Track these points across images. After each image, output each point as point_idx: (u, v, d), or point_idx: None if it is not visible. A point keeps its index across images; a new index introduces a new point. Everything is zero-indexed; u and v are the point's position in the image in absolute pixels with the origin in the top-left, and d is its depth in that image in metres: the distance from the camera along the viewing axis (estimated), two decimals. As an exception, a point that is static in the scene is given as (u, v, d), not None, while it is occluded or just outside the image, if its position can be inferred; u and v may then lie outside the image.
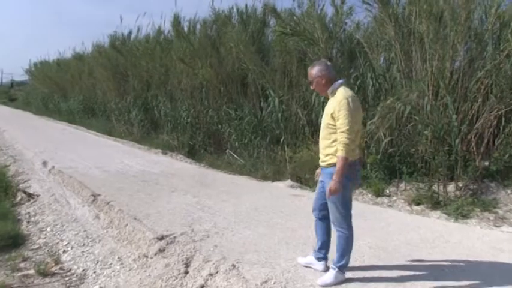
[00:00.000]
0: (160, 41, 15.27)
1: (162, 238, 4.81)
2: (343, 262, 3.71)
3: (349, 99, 3.53)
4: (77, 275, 4.56)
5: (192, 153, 11.31)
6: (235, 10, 12.03)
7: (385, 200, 6.92)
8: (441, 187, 6.76)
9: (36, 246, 5.36)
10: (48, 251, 5.21)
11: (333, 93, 3.68)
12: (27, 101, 34.03)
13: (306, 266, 4.01)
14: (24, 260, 4.91)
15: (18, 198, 7.24)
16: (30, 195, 7.33)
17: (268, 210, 6.05)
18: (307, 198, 6.84)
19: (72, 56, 24.64)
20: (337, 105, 3.54)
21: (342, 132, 3.48)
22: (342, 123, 3.49)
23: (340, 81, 3.73)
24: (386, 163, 7.58)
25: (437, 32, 7.22)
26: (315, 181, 4.03)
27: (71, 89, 23.79)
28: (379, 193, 7.08)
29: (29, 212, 6.63)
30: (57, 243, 5.43)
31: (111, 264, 4.69)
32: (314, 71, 3.75)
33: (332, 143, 3.61)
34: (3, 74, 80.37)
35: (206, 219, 5.52)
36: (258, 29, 11.20)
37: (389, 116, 7.35)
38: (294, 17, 9.58)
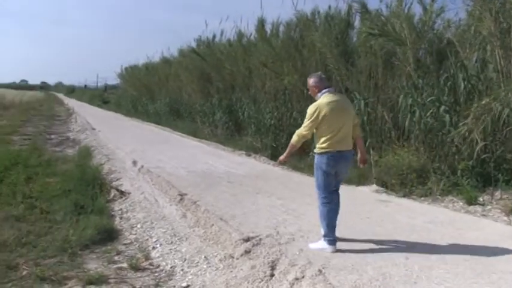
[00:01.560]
0: (243, 44, 15.52)
1: (248, 240, 4.85)
2: (323, 232, 4.58)
3: (320, 106, 4.46)
4: (165, 272, 4.67)
5: (275, 156, 11.30)
6: (318, 11, 11.97)
7: (478, 208, 6.49)
8: (545, 198, 6.25)
9: (128, 241, 5.58)
10: (138, 246, 5.39)
11: (317, 99, 4.59)
12: (119, 103, 35.87)
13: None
14: (118, 253, 5.14)
15: (112, 195, 7.60)
16: (122, 193, 7.68)
17: (353, 215, 5.93)
18: (394, 204, 6.65)
19: (160, 60, 25.76)
20: (309, 108, 4.56)
21: (303, 125, 4.58)
22: (305, 121, 4.55)
23: (325, 90, 4.58)
24: (479, 169, 7.16)
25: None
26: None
27: (159, 92, 24.81)
28: (471, 201, 6.67)
29: (121, 209, 6.93)
30: (147, 239, 5.61)
31: (197, 263, 4.77)
32: (311, 81, 4.67)
33: (317, 138, 4.58)
34: (98, 79, 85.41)
35: (291, 222, 5.51)
36: (341, 30, 11.03)
37: (484, 118, 6.92)
38: (381, 17, 9.32)
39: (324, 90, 4.57)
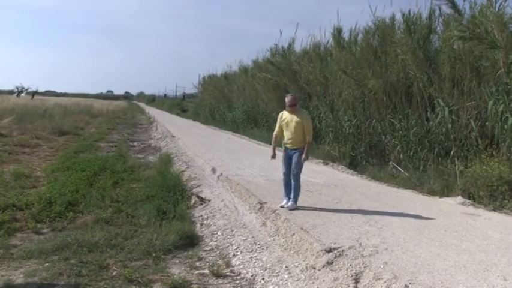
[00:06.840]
0: (319, 53, 15.42)
1: (330, 251, 4.73)
2: (297, 197, 6.67)
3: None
4: (246, 280, 4.67)
5: (354, 165, 11.13)
6: (398, 17, 11.59)
7: None
8: None
9: (208, 248, 5.66)
10: (219, 253, 5.45)
11: (299, 112, 6.69)
12: (197, 111, 36.86)
13: (282, 207, 6.61)
14: (199, 259, 5.23)
15: (192, 201, 7.75)
16: (202, 200, 7.81)
17: (439, 228, 5.65)
18: (483, 218, 6.28)
19: (238, 69, 26.27)
20: (306, 118, 6.66)
21: (310, 130, 6.64)
22: (308, 128, 6.62)
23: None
24: None
25: None
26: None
27: (236, 100, 25.21)
28: None
29: (201, 215, 7.05)
30: (228, 246, 5.66)
31: (278, 272, 4.74)
32: (294, 100, 6.64)
33: (302, 136, 6.58)
34: (177, 88, 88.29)
35: (373, 234, 5.33)
36: (423, 36, 10.62)
37: None
38: (469, 19, 8.82)
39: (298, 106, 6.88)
